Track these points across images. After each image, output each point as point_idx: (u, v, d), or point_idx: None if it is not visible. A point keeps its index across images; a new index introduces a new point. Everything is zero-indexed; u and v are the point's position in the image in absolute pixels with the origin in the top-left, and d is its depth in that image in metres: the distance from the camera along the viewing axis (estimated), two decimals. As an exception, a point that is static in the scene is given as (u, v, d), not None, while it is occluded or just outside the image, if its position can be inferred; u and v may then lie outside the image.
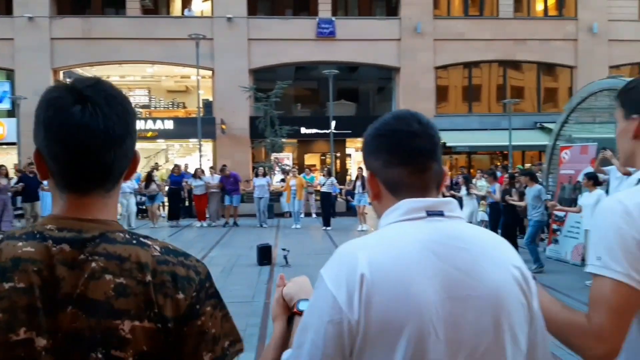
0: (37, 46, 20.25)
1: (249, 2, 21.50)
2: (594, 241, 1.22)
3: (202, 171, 15.51)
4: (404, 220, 1.01)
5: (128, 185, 12.88)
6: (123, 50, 20.83)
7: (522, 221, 10.67)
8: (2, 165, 12.87)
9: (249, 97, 20.13)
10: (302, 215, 14.97)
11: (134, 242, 0.92)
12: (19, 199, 13.18)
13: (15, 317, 0.84)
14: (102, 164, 0.92)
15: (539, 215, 8.57)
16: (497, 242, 1.04)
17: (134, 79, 25.20)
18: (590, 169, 8.49)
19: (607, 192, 7.76)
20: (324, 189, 14.55)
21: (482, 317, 0.95)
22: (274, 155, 20.15)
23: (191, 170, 16.19)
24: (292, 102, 23.85)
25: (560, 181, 10.14)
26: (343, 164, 23.54)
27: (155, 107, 24.27)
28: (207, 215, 14.94)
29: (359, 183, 13.50)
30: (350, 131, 20.62)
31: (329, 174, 15.04)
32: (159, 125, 21.24)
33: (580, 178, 8.87)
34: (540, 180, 10.51)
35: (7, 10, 20.64)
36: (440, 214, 1.01)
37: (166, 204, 16.03)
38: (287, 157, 22.44)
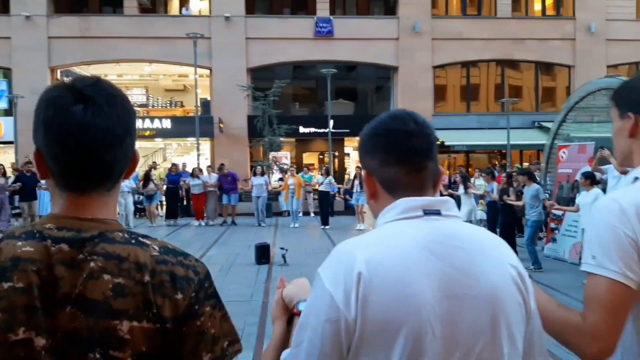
0: (34, 45, 20.19)
1: (246, 1, 21.47)
2: (589, 240, 1.22)
3: (200, 170, 15.50)
4: (401, 219, 1.02)
5: (126, 184, 12.85)
6: (121, 49, 20.78)
7: (520, 220, 10.68)
8: (0, 164, 12.85)
9: (247, 96, 20.12)
10: (301, 214, 14.97)
11: (133, 241, 0.92)
12: (16, 197, 13.15)
13: (14, 317, 0.83)
14: (102, 164, 0.92)
15: (536, 214, 8.58)
16: (493, 242, 1.05)
17: (131, 77, 25.14)
18: (588, 168, 8.50)
19: (604, 191, 7.79)
20: (321, 188, 14.55)
21: (479, 315, 0.96)
22: (272, 154, 20.15)
23: (189, 169, 16.17)
24: (290, 101, 23.84)
25: (558, 180, 10.16)
26: (341, 163, 23.55)
27: (153, 106, 24.23)
28: (205, 215, 14.92)
29: (357, 182, 13.50)
30: (348, 130, 20.62)
31: (326, 173, 15.04)
32: (156, 124, 21.20)
33: (578, 177, 8.88)
34: (538, 179, 10.53)
35: (4, 9, 20.58)
36: (437, 212, 1.02)
37: (164, 203, 16.01)
38: (285, 156, 22.45)
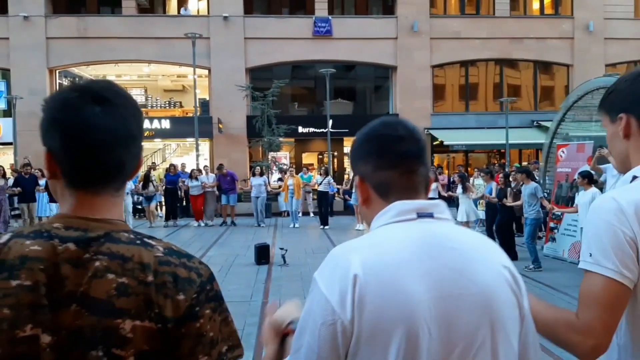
0: (32, 45, 20.16)
1: (245, 1, 21.45)
2: (587, 238, 1.22)
3: (200, 171, 15.50)
4: (395, 222, 1.03)
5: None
6: (119, 49, 20.76)
7: (519, 219, 10.70)
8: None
9: (246, 96, 20.11)
10: (300, 215, 14.97)
11: (138, 242, 0.94)
12: (15, 198, 13.16)
13: (21, 314, 0.85)
14: (118, 162, 0.96)
15: (535, 212, 8.60)
16: (485, 243, 1.06)
17: (130, 78, 25.14)
18: (586, 167, 8.52)
19: (602, 190, 7.81)
20: (320, 188, 14.56)
21: (475, 316, 0.97)
22: (271, 155, 20.14)
23: (188, 170, 16.16)
24: (289, 101, 23.83)
25: (557, 179, 10.17)
26: (340, 163, 23.54)
27: (152, 107, 24.21)
28: (204, 215, 14.92)
29: (356, 182, 13.48)
30: (347, 130, 20.61)
31: (325, 173, 15.04)
32: (155, 124, 21.18)
33: (576, 176, 8.90)
34: (537, 178, 10.53)
35: (2, 9, 20.53)
36: (430, 215, 1.04)
37: (163, 203, 16.00)
38: (284, 156, 22.44)
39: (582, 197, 7.99)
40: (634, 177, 1.28)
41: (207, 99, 21.97)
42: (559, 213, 9.45)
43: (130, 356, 0.87)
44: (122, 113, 0.95)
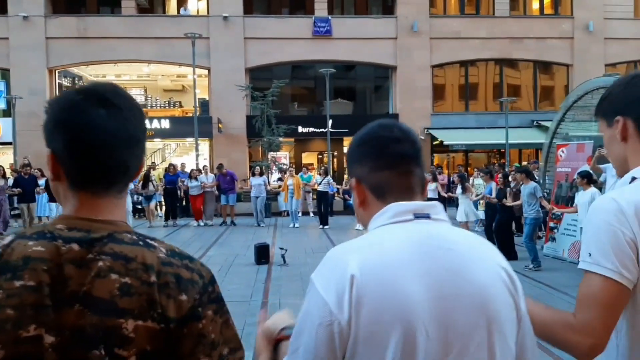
0: (32, 45, 20.15)
1: (244, 1, 21.45)
2: (586, 238, 1.23)
3: (199, 171, 15.50)
4: (392, 223, 1.04)
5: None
6: (119, 49, 20.76)
7: (519, 219, 10.70)
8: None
9: (246, 96, 20.11)
10: (300, 214, 14.97)
11: (141, 243, 0.95)
12: (15, 198, 13.16)
13: (25, 314, 0.86)
14: (122, 164, 0.97)
15: (534, 212, 8.61)
16: (482, 244, 1.07)
17: (129, 78, 25.13)
18: (586, 167, 8.52)
19: (600, 189, 7.81)
20: (320, 188, 14.56)
21: (472, 316, 0.97)
22: (271, 155, 20.14)
23: (188, 170, 16.16)
24: (289, 101, 23.82)
25: (557, 179, 10.17)
26: (340, 162, 23.53)
27: (152, 107, 24.20)
28: (203, 215, 14.92)
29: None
30: (347, 130, 20.61)
31: (325, 173, 15.04)
32: (155, 124, 21.17)
33: (576, 176, 8.91)
34: (537, 178, 10.53)
35: (2, 9, 20.52)
36: (426, 216, 1.04)
37: (162, 203, 15.99)
38: (284, 156, 22.44)
39: (582, 197, 8.00)
40: (633, 178, 1.28)
41: (207, 98, 21.97)
42: (559, 213, 9.46)
43: (132, 356, 0.87)
44: (127, 116, 0.97)
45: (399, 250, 0.98)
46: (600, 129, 1.42)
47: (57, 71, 21.40)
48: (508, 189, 9.60)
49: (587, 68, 21.11)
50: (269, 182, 16.71)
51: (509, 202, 9.31)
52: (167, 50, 20.73)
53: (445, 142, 20.40)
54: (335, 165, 22.21)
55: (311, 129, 21.89)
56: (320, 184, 14.66)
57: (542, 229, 10.59)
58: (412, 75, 21.80)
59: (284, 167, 19.27)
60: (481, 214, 11.27)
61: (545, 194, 10.65)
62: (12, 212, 13.47)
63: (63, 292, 0.87)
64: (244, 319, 5.56)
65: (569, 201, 9.41)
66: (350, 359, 0.93)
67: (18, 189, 12.45)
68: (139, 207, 15.77)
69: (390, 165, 1.07)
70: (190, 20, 21.23)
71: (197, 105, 19.42)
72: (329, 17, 21.73)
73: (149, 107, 23.85)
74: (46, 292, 0.87)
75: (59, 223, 0.94)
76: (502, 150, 20.63)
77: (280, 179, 17.84)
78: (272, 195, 16.52)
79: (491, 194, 9.98)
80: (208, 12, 21.57)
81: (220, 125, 20.87)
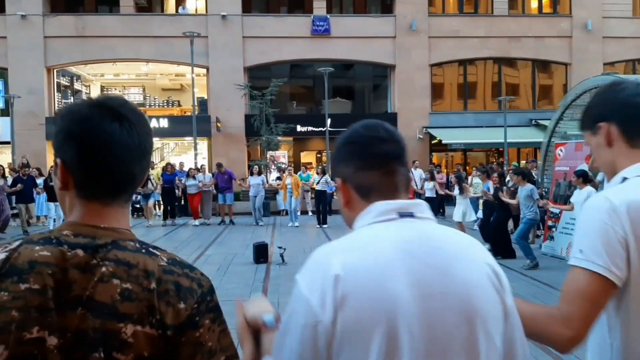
0: (30, 44, 20.11)
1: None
2: (578, 235, 1.25)
3: (198, 170, 15.47)
4: (376, 222, 1.04)
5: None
6: (117, 48, 20.72)
7: (517, 218, 10.69)
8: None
9: (244, 95, 20.10)
10: (299, 213, 14.97)
11: (143, 251, 0.98)
12: (13, 198, 13.14)
13: (29, 316, 0.88)
14: (130, 176, 1.01)
15: (532, 213, 8.62)
16: (468, 242, 1.07)
17: (128, 77, 25.09)
18: (585, 166, 8.54)
19: (596, 189, 7.83)
20: (318, 187, 14.56)
21: (456, 314, 0.97)
22: (269, 154, 20.13)
23: (186, 169, 16.15)
24: (288, 100, 23.81)
25: (555, 178, 10.19)
26: (339, 161, 23.51)
27: (150, 106, 24.17)
28: (200, 216, 14.93)
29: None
30: (345, 129, 20.36)
31: (323, 172, 15.04)
32: (154, 123, 21.13)
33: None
34: (535, 177, 10.53)
35: (0, 8, 20.48)
36: (410, 215, 1.05)
37: (161, 202, 15.98)
38: (282, 155, 22.42)
39: (578, 195, 8.03)
40: (624, 179, 1.30)
41: (206, 97, 21.94)
42: (557, 211, 9.47)
43: None
44: (138, 130, 1.01)
45: (383, 249, 0.98)
46: (586, 140, 1.45)
47: (55, 70, 21.36)
48: (505, 187, 9.60)
49: (586, 67, 21.14)
50: (267, 181, 16.70)
51: (504, 196, 9.28)
52: (166, 49, 20.70)
53: (443, 141, 20.42)
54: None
55: (310, 128, 21.89)
56: (318, 183, 14.66)
57: (540, 227, 10.60)
58: (410, 74, 21.80)
59: (283, 166, 19.26)
60: (481, 214, 11.27)
61: (543, 192, 10.68)
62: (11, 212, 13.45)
63: (67, 295, 0.90)
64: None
65: (567, 200, 9.42)
66: (335, 357, 0.94)
67: (19, 185, 12.48)
68: (137, 206, 15.75)
69: (375, 165, 1.08)
70: (189, 19, 21.21)
71: (196, 104, 19.40)
72: (328, 16, 21.71)
73: (147, 106, 23.81)
74: (50, 296, 0.89)
75: (66, 229, 0.97)
76: (501, 149, 20.65)
77: (279, 178, 17.84)
78: (271, 195, 16.51)
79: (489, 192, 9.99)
80: (206, 11, 21.54)
81: (218, 124, 20.86)
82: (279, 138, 19.59)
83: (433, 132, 21.16)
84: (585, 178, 7.94)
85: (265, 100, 18.96)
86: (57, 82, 21.61)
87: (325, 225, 13.82)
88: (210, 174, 15.45)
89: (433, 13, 22.47)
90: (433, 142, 21.67)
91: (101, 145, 0.97)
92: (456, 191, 10.78)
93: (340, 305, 0.93)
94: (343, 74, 23.48)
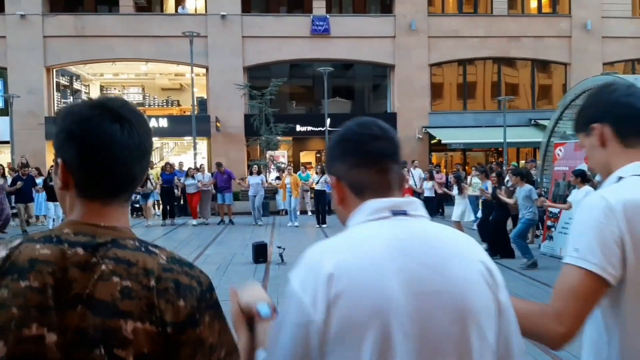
0: (29, 44, 20.11)
1: (243, -1, 21.45)
2: (574, 234, 1.26)
3: (197, 169, 15.47)
4: (370, 220, 1.05)
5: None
6: (116, 48, 20.72)
7: (516, 218, 10.70)
8: None
9: (244, 95, 20.10)
10: (298, 213, 14.97)
11: (143, 249, 0.98)
12: (13, 198, 13.14)
13: (28, 314, 0.89)
14: (130, 176, 1.03)
15: (530, 214, 8.62)
16: (461, 240, 1.07)
17: (127, 76, 25.08)
18: (584, 166, 8.55)
19: (595, 188, 7.82)
20: (317, 187, 14.55)
21: (449, 312, 0.97)
22: (269, 153, 20.13)
23: (186, 169, 16.15)
24: (287, 100, 23.81)
25: (554, 178, 10.19)
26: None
27: (150, 105, 24.16)
28: (199, 214, 14.93)
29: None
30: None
31: (322, 172, 15.03)
32: (153, 123, 21.12)
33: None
34: (535, 177, 10.53)
35: (-1, 8, 20.49)
36: (403, 213, 1.05)
37: (160, 202, 15.98)
38: (282, 155, 22.43)
39: (576, 195, 8.05)
40: (620, 178, 1.31)
41: (205, 97, 21.95)
42: (556, 211, 9.48)
43: (130, 357, 0.90)
44: (138, 130, 1.02)
45: (376, 247, 0.99)
46: (580, 142, 1.46)
47: (54, 70, 21.35)
48: (503, 187, 9.60)
49: (585, 67, 21.16)
50: (266, 180, 16.70)
51: (502, 195, 9.28)
52: (165, 49, 20.70)
53: (443, 141, 20.43)
54: (333, 164, 22.16)
55: (309, 128, 21.90)
56: (317, 182, 14.66)
57: (539, 227, 10.60)
58: (410, 74, 21.81)
59: (282, 165, 19.26)
60: (480, 213, 11.28)
61: (542, 192, 10.68)
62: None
63: (67, 294, 0.91)
64: (242, 318, 5.55)
65: (566, 200, 9.43)
66: (328, 356, 0.94)
67: (19, 182, 12.48)
68: (137, 205, 15.75)
69: (369, 163, 1.08)
70: (188, 18, 21.21)
71: (195, 104, 19.40)
72: (327, 16, 21.71)
73: (147, 106, 23.81)
74: (50, 294, 0.90)
75: (66, 228, 0.97)
76: (500, 149, 20.66)
77: (278, 178, 17.84)
78: (270, 194, 16.51)
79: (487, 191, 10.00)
80: (206, 11, 21.53)
81: (218, 124, 20.86)
82: (279, 138, 19.59)
83: (432, 132, 21.16)
84: (583, 177, 7.96)
85: (265, 100, 18.96)
86: (56, 81, 21.60)
87: (324, 225, 13.82)
88: (210, 174, 15.45)
89: (432, 13, 22.48)
90: (432, 142, 21.68)
91: (101, 146, 0.98)
92: (455, 191, 10.78)
93: (333, 304, 0.93)
94: (342, 73, 23.49)
